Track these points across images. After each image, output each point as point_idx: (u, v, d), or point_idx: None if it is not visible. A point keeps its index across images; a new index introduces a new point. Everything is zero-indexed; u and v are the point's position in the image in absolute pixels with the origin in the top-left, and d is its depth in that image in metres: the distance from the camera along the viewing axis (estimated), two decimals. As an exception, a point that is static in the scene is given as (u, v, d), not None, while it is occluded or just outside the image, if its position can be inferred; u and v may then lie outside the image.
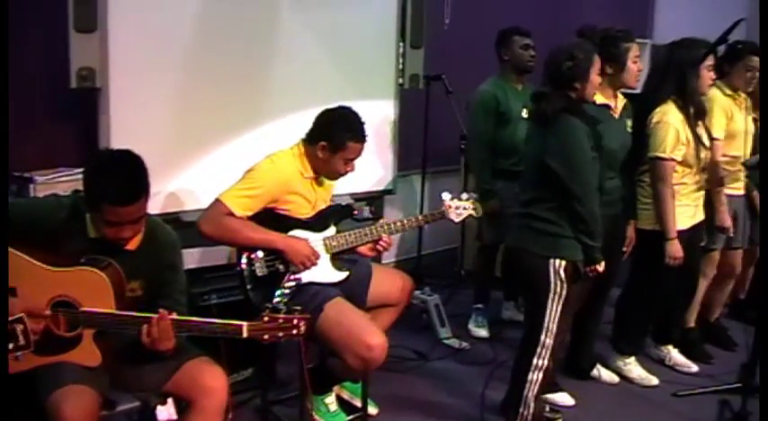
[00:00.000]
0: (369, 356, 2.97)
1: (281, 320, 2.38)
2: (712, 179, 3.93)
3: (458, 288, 5.27)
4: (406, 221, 3.35)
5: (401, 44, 4.56)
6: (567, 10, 6.41)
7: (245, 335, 2.39)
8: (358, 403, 3.44)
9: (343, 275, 3.21)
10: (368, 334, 2.99)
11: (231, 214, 2.99)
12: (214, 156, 3.75)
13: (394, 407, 3.65)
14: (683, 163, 3.67)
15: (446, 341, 4.48)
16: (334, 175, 3.25)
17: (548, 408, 3.51)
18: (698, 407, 3.79)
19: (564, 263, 3.11)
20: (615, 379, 4.03)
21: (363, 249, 3.33)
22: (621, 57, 3.52)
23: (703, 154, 3.72)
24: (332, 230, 3.24)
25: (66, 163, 3.45)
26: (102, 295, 2.41)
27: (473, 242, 5.21)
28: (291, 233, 3.14)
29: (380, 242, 3.31)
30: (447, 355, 4.33)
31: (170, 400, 2.72)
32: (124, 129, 3.42)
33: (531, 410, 3.30)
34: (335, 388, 3.51)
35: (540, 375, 3.26)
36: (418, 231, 4.97)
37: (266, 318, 2.38)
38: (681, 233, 3.68)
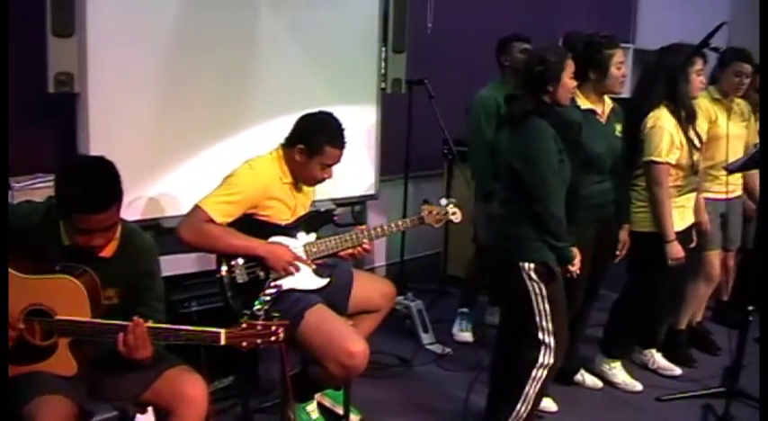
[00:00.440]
0: (350, 363, 2.95)
1: (259, 327, 2.36)
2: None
3: (441, 293, 5.26)
4: (386, 227, 3.33)
5: (383, 48, 4.54)
6: (550, 15, 6.42)
7: (222, 342, 2.37)
8: (340, 410, 3.43)
9: (324, 282, 3.19)
10: (349, 341, 2.97)
11: (211, 221, 2.96)
12: (194, 162, 3.72)
13: (376, 413, 3.62)
14: (677, 166, 3.71)
15: (429, 346, 4.46)
16: (311, 181, 3.22)
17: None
18: (681, 411, 3.79)
19: (533, 265, 3.11)
20: (599, 384, 4.03)
21: (343, 253, 3.32)
22: (605, 63, 3.53)
23: (695, 157, 3.76)
24: (312, 236, 3.22)
25: (44, 169, 3.41)
26: (78, 303, 2.37)
27: (457, 246, 5.20)
28: (272, 239, 3.11)
29: (362, 248, 3.29)
30: (430, 361, 4.31)
31: (150, 410, 2.68)
32: (103, 134, 3.39)
33: (530, 407, 3.27)
34: (317, 395, 3.47)
35: (546, 373, 3.22)
36: (401, 237, 4.95)
37: (244, 325, 2.36)
38: (677, 234, 3.71)
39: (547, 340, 3.18)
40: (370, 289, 3.41)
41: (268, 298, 2.54)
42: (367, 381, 3.68)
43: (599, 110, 3.61)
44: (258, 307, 2.45)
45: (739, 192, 4.34)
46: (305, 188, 3.28)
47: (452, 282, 5.33)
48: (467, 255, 4.87)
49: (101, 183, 2.38)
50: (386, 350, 4.24)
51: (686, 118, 3.72)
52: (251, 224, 3.07)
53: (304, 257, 3.16)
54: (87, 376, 2.49)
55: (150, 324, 2.38)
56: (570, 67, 3.14)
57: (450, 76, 5.27)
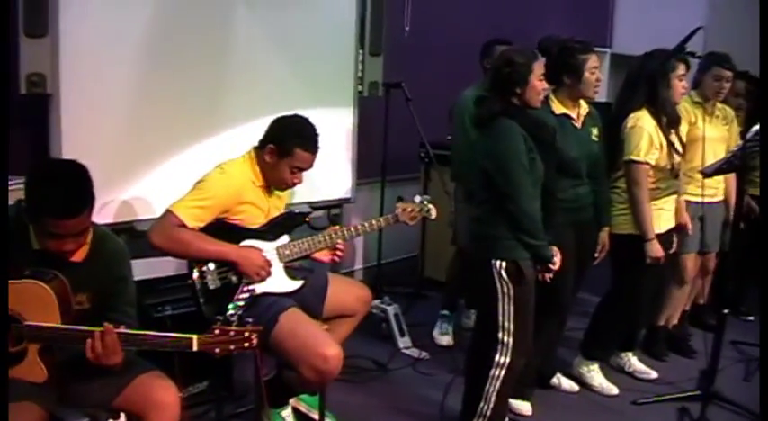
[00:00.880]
0: (324, 368, 2.93)
1: (232, 333, 2.34)
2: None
3: (418, 296, 5.25)
4: (360, 226, 3.31)
5: (360, 51, 4.54)
6: (527, 19, 6.43)
7: (195, 348, 2.34)
8: (315, 415, 3.39)
9: (297, 284, 3.16)
10: (323, 345, 2.94)
11: (183, 225, 2.93)
12: (168, 165, 3.70)
13: (352, 418, 3.60)
14: (656, 167, 3.74)
15: (406, 350, 4.45)
16: (281, 185, 3.17)
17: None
18: (658, 414, 3.79)
19: (504, 263, 3.11)
20: (575, 387, 4.03)
21: (319, 255, 3.30)
22: (579, 68, 3.55)
23: (676, 160, 3.79)
24: (285, 239, 3.18)
25: (16, 171, 3.33)
26: (47, 308, 2.34)
27: (434, 249, 5.19)
28: (243, 243, 3.08)
29: (336, 248, 3.28)
30: (406, 365, 4.30)
31: (123, 416, 2.65)
32: (76, 136, 3.36)
33: (491, 406, 3.26)
34: (292, 400, 3.45)
35: (503, 372, 3.22)
36: (378, 240, 4.94)
37: (217, 331, 2.34)
38: (657, 236, 3.73)
39: (505, 339, 3.19)
40: (346, 293, 3.38)
41: (241, 303, 2.52)
42: (343, 386, 3.66)
43: (574, 114, 3.63)
44: (231, 312, 2.42)
45: (720, 196, 4.36)
46: (278, 192, 3.25)
47: (430, 284, 5.33)
48: (445, 258, 4.87)
49: (72, 187, 2.34)
50: (362, 354, 4.22)
51: (668, 123, 3.75)
52: (223, 228, 3.04)
53: (277, 260, 3.13)
54: (58, 382, 2.45)
55: (122, 330, 2.35)
56: (539, 69, 3.14)
57: (427, 79, 5.26)
